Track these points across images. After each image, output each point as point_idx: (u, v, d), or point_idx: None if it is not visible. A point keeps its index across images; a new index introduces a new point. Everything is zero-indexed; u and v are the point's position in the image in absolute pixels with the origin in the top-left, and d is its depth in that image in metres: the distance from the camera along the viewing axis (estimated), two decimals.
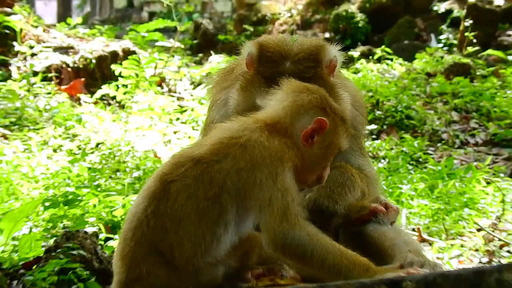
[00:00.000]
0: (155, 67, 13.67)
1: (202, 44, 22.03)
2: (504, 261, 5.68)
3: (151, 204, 3.46)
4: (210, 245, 3.41)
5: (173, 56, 15.20)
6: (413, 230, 6.31)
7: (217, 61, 15.73)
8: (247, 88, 4.08)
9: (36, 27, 14.80)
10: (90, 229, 5.95)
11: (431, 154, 9.54)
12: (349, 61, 14.81)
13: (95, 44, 14.16)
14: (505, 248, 5.94)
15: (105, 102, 12.35)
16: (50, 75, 12.88)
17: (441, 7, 22.61)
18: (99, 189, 7.45)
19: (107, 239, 6.03)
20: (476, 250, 5.98)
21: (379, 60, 16.17)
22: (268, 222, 3.37)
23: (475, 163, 8.78)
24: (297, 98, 3.60)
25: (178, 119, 11.28)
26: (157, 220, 3.43)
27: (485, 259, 5.77)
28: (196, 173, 3.44)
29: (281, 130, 3.54)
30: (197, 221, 3.39)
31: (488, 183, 7.74)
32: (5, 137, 10.17)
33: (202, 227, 3.39)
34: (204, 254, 3.41)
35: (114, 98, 12.35)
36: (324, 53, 4.14)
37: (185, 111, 11.67)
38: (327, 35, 22.48)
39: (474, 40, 17.01)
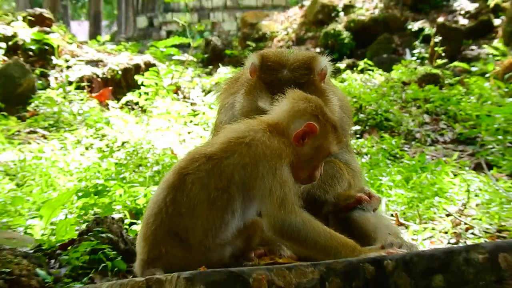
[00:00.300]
0: (172, 77, 13.66)
1: (211, 58, 22.03)
2: (469, 242, 5.65)
3: (170, 193, 3.46)
4: (219, 229, 3.41)
5: (187, 68, 15.19)
6: (392, 215, 6.29)
7: (224, 72, 15.73)
8: (251, 93, 4.07)
9: (71, 43, 14.80)
10: (116, 215, 5.95)
11: (406, 151, 9.52)
12: (336, 72, 14.78)
13: (121, 58, 14.16)
14: (470, 231, 5.91)
15: (130, 107, 12.35)
16: (82, 84, 12.89)
17: (415, 26, 22.61)
18: (124, 181, 7.45)
19: (131, 224, 6.03)
20: (446, 232, 5.96)
21: (362, 71, 16.16)
22: (269, 210, 3.36)
23: (444, 158, 8.76)
24: (295, 105, 3.60)
25: (191, 121, 11.28)
26: (174, 208, 3.42)
27: (453, 240, 5.74)
28: (208, 167, 3.44)
29: (280, 131, 3.54)
30: (209, 208, 3.39)
31: (455, 175, 7.73)
32: (44, 137, 10.19)
33: (213, 214, 3.39)
34: (214, 236, 3.41)
35: (137, 103, 12.35)
36: (316, 63, 4.12)
37: (197, 114, 11.68)
38: (318, 49, 22.46)
39: (443, 54, 17.00)
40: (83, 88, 12.77)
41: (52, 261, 4.92)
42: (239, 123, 3.68)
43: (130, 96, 12.41)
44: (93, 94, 12.62)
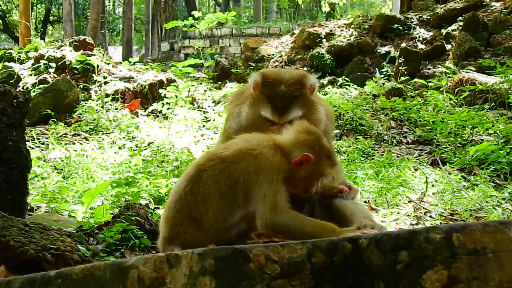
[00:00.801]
0: (189, 91, 13.62)
1: (220, 75, 21.93)
2: (428, 224, 5.63)
3: (189, 184, 3.46)
4: (227, 216, 3.42)
5: (201, 83, 15.15)
6: (365, 202, 6.26)
7: (231, 87, 15.65)
8: (255, 104, 4.06)
9: (108, 64, 14.78)
10: (143, 202, 5.93)
11: (376, 150, 9.49)
12: (320, 87, 14.74)
13: (148, 75, 14.14)
14: (428, 215, 5.90)
15: (155, 114, 12.32)
16: (117, 96, 12.87)
17: (382, 50, 22.55)
18: (150, 174, 7.43)
19: (155, 209, 6.01)
20: (408, 216, 5.93)
21: (340, 86, 16.13)
22: (261, 212, 3.37)
23: (407, 156, 8.74)
24: (298, 135, 3.59)
25: (204, 126, 11.25)
26: (192, 196, 3.43)
27: (414, 222, 5.73)
28: (221, 167, 3.44)
29: (283, 152, 3.53)
30: (219, 200, 3.40)
31: (415, 169, 7.70)
32: (86, 139, 10.19)
33: (222, 204, 3.40)
34: (223, 221, 3.42)
35: (161, 112, 12.32)
36: (306, 79, 4.13)
37: (209, 120, 11.64)
38: (305, 68, 22.43)
39: (405, 72, 16.96)
40: (117, 99, 12.75)
41: (91, 239, 4.89)
42: (252, 135, 3.68)
43: (155, 106, 12.40)
44: (125, 104, 12.60)
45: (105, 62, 14.71)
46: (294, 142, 3.58)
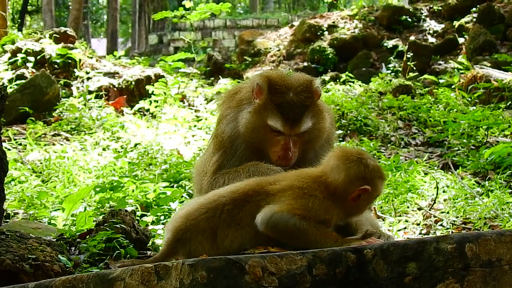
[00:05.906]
0: (179, 87, 13.63)
1: (213, 71, 21.88)
2: (438, 233, 5.64)
3: (230, 205, 3.47)
4: (246, 245, 3.48)
5: (191, 79, 15.16)
6: (370, 209, 6.26)
7: (224, 83, 15.67)
8: (260, 112, 4.02)
9: (91, 58, 14.77)
10: (129, 208, 5.93)
11: (383, 152, 9.50)
12: (321, 83, 14.73)
13: (134, 71, 14.13)
14: (439, 223, 5.90)
15: (141, 113, 12.32)
16: (101, 93, 12.86)
17: (389, 43, 22.63)
18: (136, 178, 7.43)
19: (142, 216, 6.02)
20: (417, 224, 5.94)
21: (344, 83, 16.12)
22: (269, 209, 3.43)
23: (415, 159, 8.74)
24: (347, 171, 3.47)
25: (195, 126, 11.25)
26: (227, 217, 3.45)
27: (424, 231, 5.73)
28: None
29: (334, 192, 3.47)
30: (251, 233, 3.44)
31: (425, 174, 7.70)
32: (67, 139, 10.20)
33: (250, 237, 3.46)
34: (241, 249, 3.44)
35: (148, 110, 12.32)
36: (313, 86, 4.13)
37: (200, 120, 11.65)
38: (305, 64, 22.47)
39: (414, 68, 16.99)
40: (101, 96, 12.75)
41: (73, 248, 4.90)
42: (302, 172, 3.62)
43: (142, 104, 12.40)
44: (110, 102, 12.59)
45: (87, 56, 14.69)
46: (345, 179, 3.47)
